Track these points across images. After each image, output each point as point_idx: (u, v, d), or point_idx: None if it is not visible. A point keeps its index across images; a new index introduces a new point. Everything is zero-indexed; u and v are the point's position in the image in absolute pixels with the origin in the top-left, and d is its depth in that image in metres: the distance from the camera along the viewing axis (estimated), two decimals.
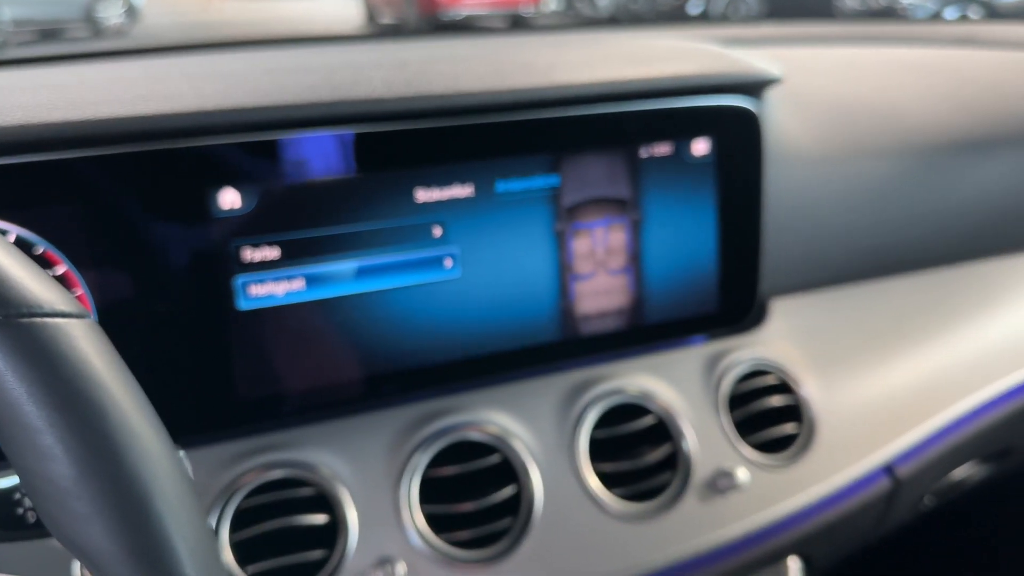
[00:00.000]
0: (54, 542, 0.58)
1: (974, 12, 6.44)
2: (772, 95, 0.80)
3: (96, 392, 0.29)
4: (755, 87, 0.76)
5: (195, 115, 0.54)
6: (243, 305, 0.60)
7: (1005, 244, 0.98)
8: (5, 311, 0.27)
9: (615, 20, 9.86)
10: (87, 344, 0.29)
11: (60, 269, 0.55)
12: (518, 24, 9.97)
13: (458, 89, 0.61)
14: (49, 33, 8.84)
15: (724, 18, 8.69)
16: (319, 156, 0.59)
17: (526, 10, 9.87)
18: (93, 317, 0.30)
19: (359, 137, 0.60)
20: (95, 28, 8.83)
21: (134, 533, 0.29)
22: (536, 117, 0.65)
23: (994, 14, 6.52)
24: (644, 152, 0.69)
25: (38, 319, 0.28)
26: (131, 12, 9.14)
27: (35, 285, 0.29)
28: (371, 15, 11.35)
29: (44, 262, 0.54)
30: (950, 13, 6.58)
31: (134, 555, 0.29)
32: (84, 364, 0.29)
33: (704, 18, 9.04)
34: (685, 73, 0.70)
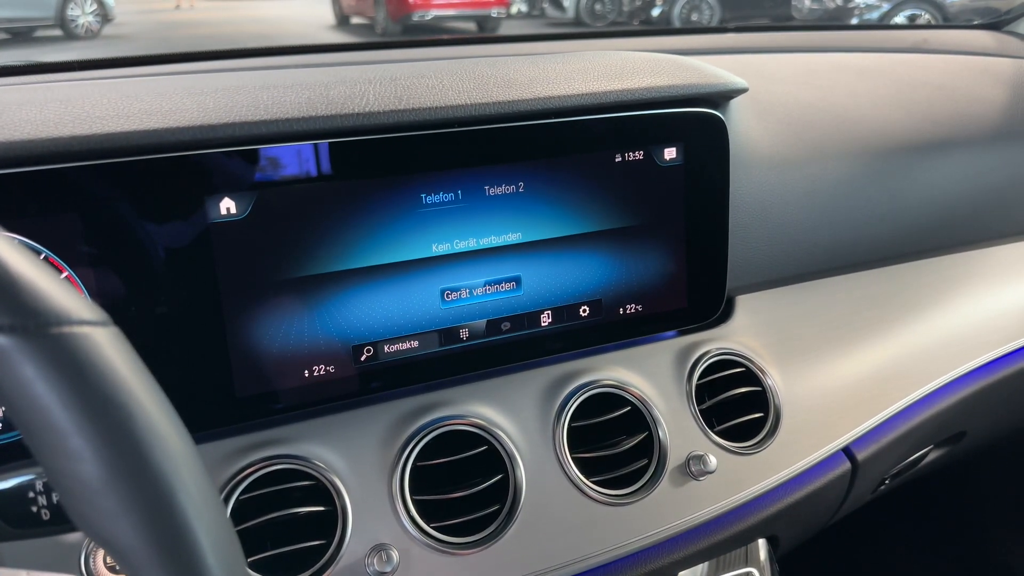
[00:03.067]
0: (64, 538, 0.60)
1: (925, 11, 6.59)
2: (736, 102, 0.84)
3: (121, 396, 0.30)
4: (724, 97, 0.80)
5: (198, 129, 0.57)
6: (241, 306, 0.63)
7: (955, 241, 1.03)
8: (35, 321, 0.28)
9: (580, 22, 9.89)
10: (112, 350, 0.30)
11: (62, 275, 0.57)
12: (486, 26, 9.98)
13: (445, 103, 0.65)
14: (20, 33, 8.66)
15: (686, 17, 8.78)
16: (310, 164, 0.62)
17: (494, 11, 9.88)
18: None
19: (349, 145, 0.63)
20: (66, 28, 8.67)
21: (160, 527, 0.30)
22: (515, 126, 0.68)
23: (943, 12, 6.67)
24: (618, 157, 0.73)
25: (66, 328, 0.29)
26: (102, 11, 8.99)
27: (62, 295, 0.30)
28: (342, 17, 11.29)
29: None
30: (901, 12, 6.72)
31: (160, 548, 0.30)
32: (110, 370, 0.30)
33: (666, 16, 9.12)
34: (659, 85, 0.73)
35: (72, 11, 8.79)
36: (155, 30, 10.90)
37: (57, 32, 8.81)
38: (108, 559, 0.61)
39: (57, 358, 0.29)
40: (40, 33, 8.99)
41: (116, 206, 0.57)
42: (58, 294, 0.30)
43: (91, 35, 8.94)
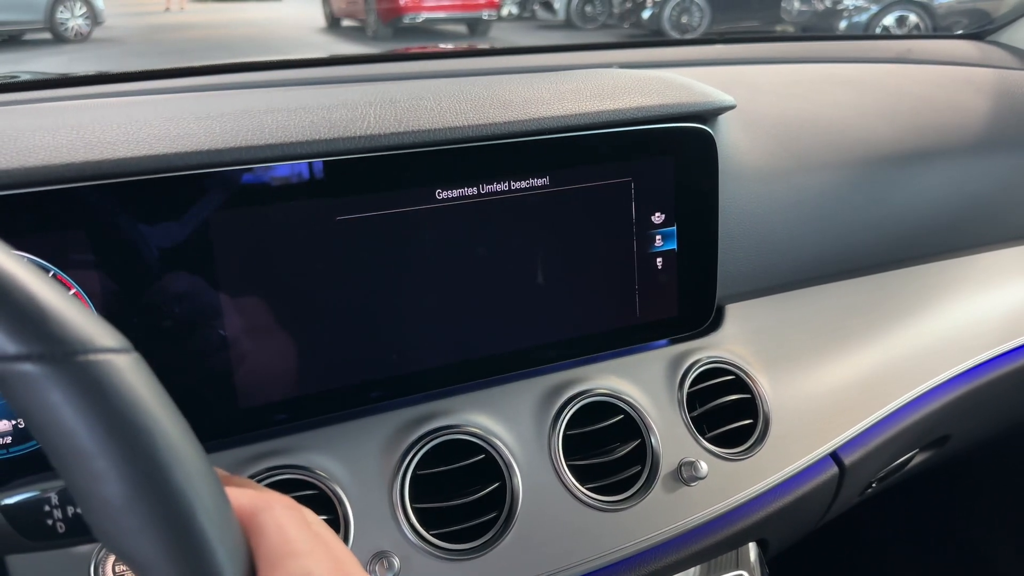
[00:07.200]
0: (75, 549, 0.62)
1: (913, 12, 6.64)
2: (724, 115, 0.85)
3: (143, 420, 0.31)
4: (712, 113, 0.82)
5: (206, 154, 0.58)
6: (243, 320, 0.64)
7: (939, 249, 1.04)
8: (62, 349, 0.30)
9: (571, 24, 9.87)
10: (134, 376, 0.32)
11: (70, 292, 0.59)
12: (476, 28, 9.97)
13: (443, 124, 0.66)
14: (9, 36, 8.60)
15: (676, 20, 8.79)
16: (313, 182, 0.64)
17: (485, 14, 9.88)
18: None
19: (351, 163, 0.65)
20: (56, 31, 8.62)
21: (181, 544, 0.32)
22: (511, 143, 0.70)
23: (931, 14, 6.72)
24: (610, 171, 0.75)
25: (91, 356, 0.30)
26: (92, 14, 8.93)
27: (87, 323, 0.31)
28: (333, 19, 11.27)
29: None
30: (890, 13, 6.78)
31: (181, 564, 0.32)
32: (132, 395, 0.31)
33: (656, 18, 9.13)
34: (649, 105, 0.75)
35: (62, 14, 8.74)
36: (145, 33, 10.86)
37: (47, 35, 8.77)
38: (117, 569, 0.63)
39: (83, 385, 0.30)
40: (30, 36, 8.95)
41: (122, 223, 0.59)
42: (83, 322, 0.31)
43: (81, 38, 8.90)
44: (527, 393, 0.78)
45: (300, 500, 0.66)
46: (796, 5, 8.33)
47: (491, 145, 0.69)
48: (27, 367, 0.29)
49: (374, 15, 9.57)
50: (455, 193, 0.69)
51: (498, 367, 0.76)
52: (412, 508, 0.69)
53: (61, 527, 0.49)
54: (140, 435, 0.31)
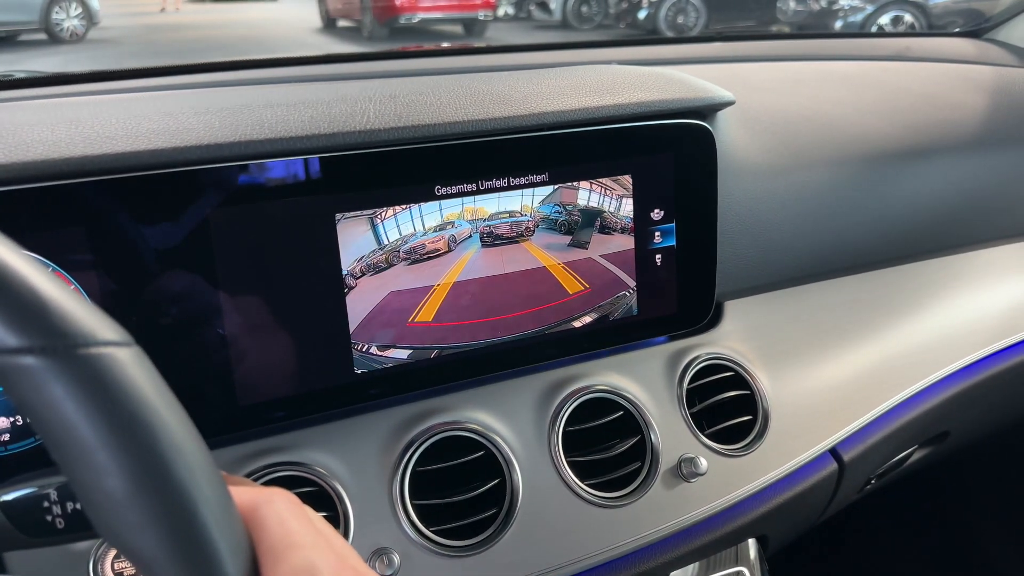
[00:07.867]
0: (74, 545, 0.62)
1: (908, 12, 6.66)
2: (723, 112, 0.85)
3: (145, 414, 0.31)
4: (711, 109, 0.82)
5: (205, 148, 0.58)
6: (243, 317, 0.64)
7: (937, 246, 1.05)
8: (64, 343, 0.29)
9: (567, 24, 9.86)
10: (136, 370, 0.31)
11: (69, 288, 0.59)
12: (473, 29, 9.96)
13: (443, 119, 0.66)
14: (5, 37, 8.57)
15: (672, 20, 8.80)
16: (312, 177, 0.64)
17: (481, 14, 9.87)
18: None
19: (350, 159, 0.64)
20: (51, 31, 8.60)
21: (183, 539, 0.31)
22: (510, 138, 0.70)
23: (926, 14, 6.74)
24: (609, 168, 0.75)
25: (93, 349, 0.30)
26: (87, 14, 8.90)
27: (88, 316, 0.31)
28: (328, 20, 11.24)
29: None
30: (885, 13, 6.80)
31: (183, 558, 0.31)
32: (134, 389, 0.31)
33: (652, 19, 9.13)
34: (649, 100, 0.75)
35: (57, 15, 8.71)
36: (141, 34, 10.83)
37: (42, 36, 8.74)
38: (116, 565, 0.62)
39: (85, 378, 0.30)
40: (25, 37, 8.92)
41: (121, 219, 0.59)
42: (84, 315, 0.31)
43: (76, 39, 8.87)
44: (527, 390, 0.78)
45: (300, 497, 0.66)
46: (792, 5, 8.35)
47: (490, 141, 0.69)
48: (28, 360, 0.29)
49: (370, 15, 9.54)
50: (454, 189, 0.69)
51: (497, 364, 0.76)
52: (412, 505, 0.69)
53: (60, 523, 0.48)
54: (142, 428, 0.31)
